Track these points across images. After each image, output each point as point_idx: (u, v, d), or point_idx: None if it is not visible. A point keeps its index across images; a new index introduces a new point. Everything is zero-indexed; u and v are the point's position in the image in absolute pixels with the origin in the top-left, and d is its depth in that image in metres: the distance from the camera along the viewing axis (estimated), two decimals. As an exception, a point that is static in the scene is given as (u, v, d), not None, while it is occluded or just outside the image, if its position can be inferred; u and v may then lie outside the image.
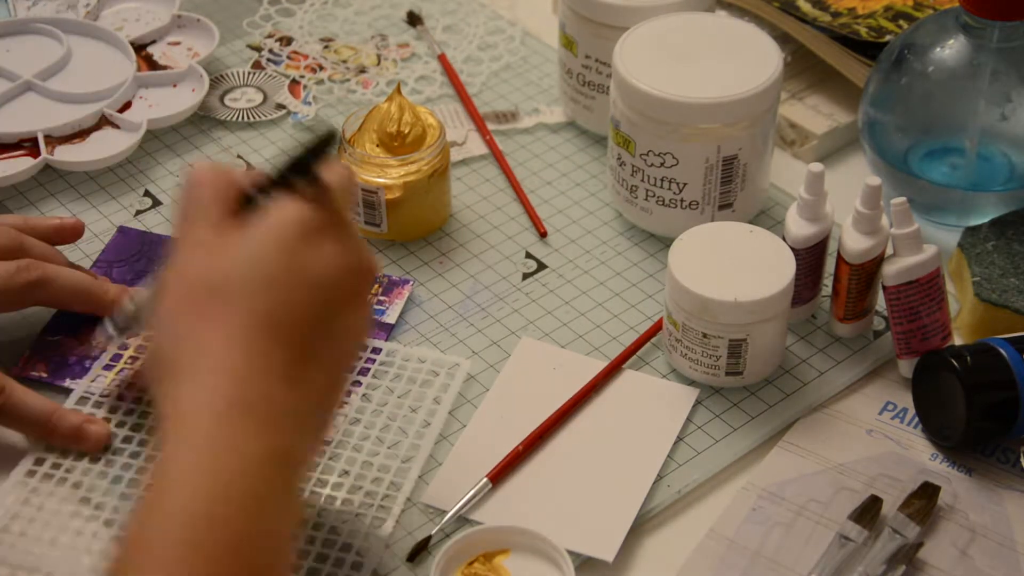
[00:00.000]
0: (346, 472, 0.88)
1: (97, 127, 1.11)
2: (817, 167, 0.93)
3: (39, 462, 0.89)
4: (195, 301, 0.73)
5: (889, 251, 0.93)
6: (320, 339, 0.74)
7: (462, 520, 0.86)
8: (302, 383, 0.73)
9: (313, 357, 0.74)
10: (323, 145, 0.77)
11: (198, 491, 0.68)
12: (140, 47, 1.18)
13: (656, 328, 0.97)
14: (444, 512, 0.86)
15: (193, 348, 0.72)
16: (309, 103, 1.16)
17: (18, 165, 1.07)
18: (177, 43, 1.19)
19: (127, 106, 1.13)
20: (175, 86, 1.15)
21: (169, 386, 0.72)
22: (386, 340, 0.97)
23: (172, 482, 0.68)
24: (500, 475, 0.88)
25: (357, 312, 0.77)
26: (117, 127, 1.11)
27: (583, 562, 0.84)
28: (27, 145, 1.09)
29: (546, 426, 0.91)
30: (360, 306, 0.78)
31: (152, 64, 1.17)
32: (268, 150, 1.13)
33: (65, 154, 1.09)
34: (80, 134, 1.10)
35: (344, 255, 0.75)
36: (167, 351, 0.73)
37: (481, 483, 0.87)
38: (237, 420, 0.70)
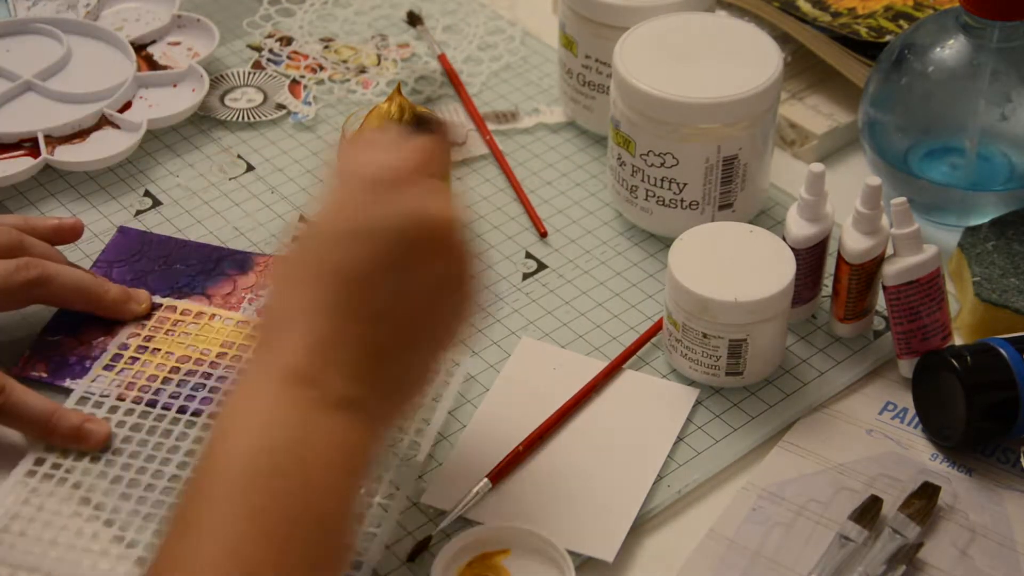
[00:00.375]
0: (346, 472, 0.88)
1: (97, 127, 1.11)
2: (818, 167, 0.93)
3: (39, 462, 0.89)
4: (290, 270, 0.74)
5: (889, 251, 0.93)
6: (389, 293, 0.73)
7: (462, 520, 0.86)
8: (375, 347, 0.73)
9: (384, 315, 0.73)
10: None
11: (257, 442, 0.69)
12: (140, 47, 1.18)
13: (656, 328, 0.97)
14: (444, 512, 0.86)
15: (280, 317, 0.73)
16: (309, 103, 1.16)
17: (18, 165, 1.07)
18: (177, 43, 1.19)
19: (127, 106, 1.13)
20: (175, 86, 1.15)
21: (257, 353, 0.73)
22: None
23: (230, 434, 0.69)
24: (500, 475, 0.88)
25: (445, 269, 0.75)
26: (117, 127, 1.11)
27: (583, 562, 0.84)
28: (27, 145, 1.09)
29: (546, 426, 0.91)
30: (450, 261, 0.75)
31: (152, 64, 1.17)
32: (268, 150, 1.13)
33: (65, 154, 1.09)
34: (80, 134, 1.10)
35: (416, 207, 0.73)
36: (269, 313, 0.74)
37: (481, 483, 0.87)
38: (299, 393, 0.70)
